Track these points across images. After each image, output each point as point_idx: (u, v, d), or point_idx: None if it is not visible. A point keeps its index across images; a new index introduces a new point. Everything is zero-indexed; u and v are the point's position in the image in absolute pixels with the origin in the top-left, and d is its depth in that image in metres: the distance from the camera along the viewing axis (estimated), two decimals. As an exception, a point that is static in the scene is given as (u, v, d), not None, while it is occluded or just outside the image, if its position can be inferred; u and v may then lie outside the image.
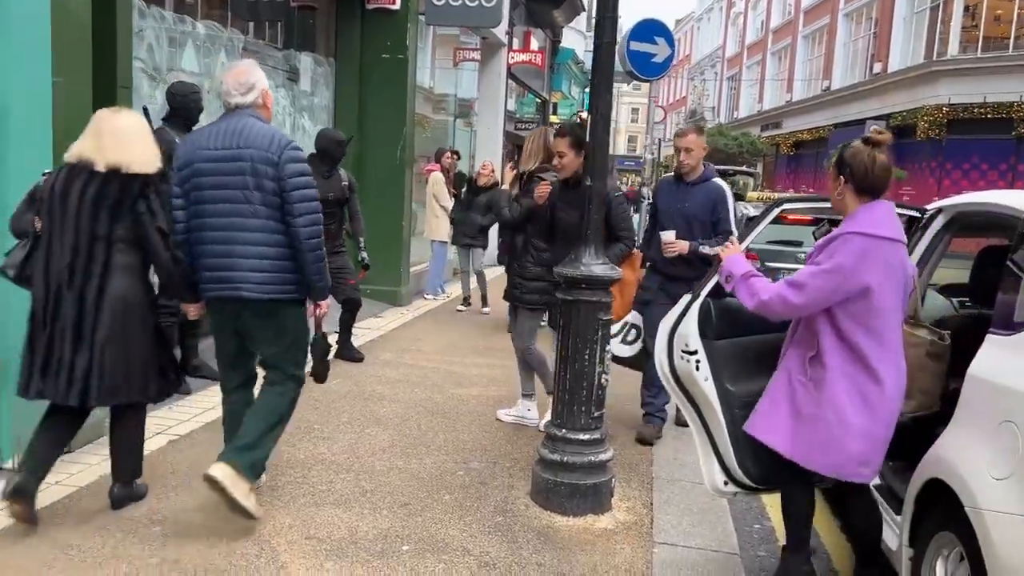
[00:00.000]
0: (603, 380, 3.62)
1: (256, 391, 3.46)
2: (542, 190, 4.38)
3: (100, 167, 3.10)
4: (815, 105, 29.48)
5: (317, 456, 4.13)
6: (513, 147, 14.53)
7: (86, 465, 3.78)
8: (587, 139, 3.57)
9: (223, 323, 3.36)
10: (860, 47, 27.43)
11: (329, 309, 3.47)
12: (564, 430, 3.61)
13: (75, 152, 3.16)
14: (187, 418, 4.57)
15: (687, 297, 3.07)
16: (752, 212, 9.73)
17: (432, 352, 6.76)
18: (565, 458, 3.59)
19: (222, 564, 2.97)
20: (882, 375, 2.68)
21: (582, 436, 3.60)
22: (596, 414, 3.63)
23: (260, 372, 3.47)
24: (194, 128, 5.03)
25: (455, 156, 9.93)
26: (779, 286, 2.76)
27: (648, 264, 4.74)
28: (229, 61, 6.62)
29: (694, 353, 2.96)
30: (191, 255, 3.26)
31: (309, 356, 3.49)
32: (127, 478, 3.40)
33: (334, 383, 5.18)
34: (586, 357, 3.56)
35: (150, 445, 4.10)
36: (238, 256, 3.15)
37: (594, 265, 3.54)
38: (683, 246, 4.38)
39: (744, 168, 23.89)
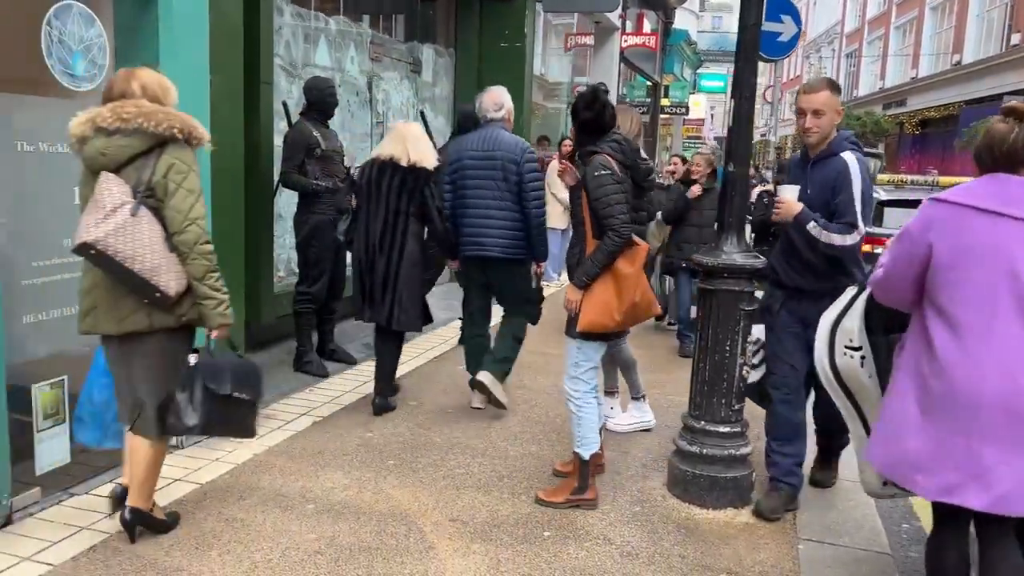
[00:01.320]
0: (744, 372, 3.54)
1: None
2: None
3: (404, 163, 4.27)
4: (943, 81, 27.71)
5: (453, 440, 4.23)
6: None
7: (241, 444, 3.99)
8: (731, 124, 3.48)
9: (475, 276, 4.68)
10: (995, 17, 25.55)
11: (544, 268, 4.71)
12: (703, 422, 3.56)
13: (386, 151, 4.33)
14: (327, 400, 4.77)
15: (852, 289, 2.94)
16: (884, 196, 9.27)
17: (556, 338, 6.78)
18: (705, 450, 3.53)
19: (372, 542, 3.09)
20: (947, 367, 2.26)
21: (722, 428, 3.54)
22: (736, 406, 3.55)
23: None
24: (328, 121, 5.23)
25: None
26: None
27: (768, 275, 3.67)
28: (358, 55, 6.82)
29: (859, 349, 2.83)
30: (455, 226, 4.51)
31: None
32: (388, 392, 4.62)
33: (459, 367, 5.28)
34: (727, 348, 3.49)
35: (296, 426, 4.32)
36: (490, 227, 4.44)
37: (735, 254, 3.46)
38: (790, 208, 3.28)
39: (871, 149, 22.70)
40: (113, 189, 2.67)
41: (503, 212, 4.41)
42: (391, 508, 3.37)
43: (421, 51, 7.98)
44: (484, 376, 4.52)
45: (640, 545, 3.19)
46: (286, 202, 5.73)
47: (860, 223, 3.22)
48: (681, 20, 20.18)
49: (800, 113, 3.32)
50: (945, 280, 2.29)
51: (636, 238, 3.38)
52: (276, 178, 5.32)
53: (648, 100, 17.79)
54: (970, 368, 2.23)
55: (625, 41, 13.88)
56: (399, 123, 4.56)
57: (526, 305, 4.67)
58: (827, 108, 3.27)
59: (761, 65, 5.36)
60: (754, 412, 3.68)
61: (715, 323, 3.50)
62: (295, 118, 5.23)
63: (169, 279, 2.72)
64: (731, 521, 3.45)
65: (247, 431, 3.05)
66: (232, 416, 2.94)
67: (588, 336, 3.39)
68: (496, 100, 4.56)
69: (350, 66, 6.75)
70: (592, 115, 3.38)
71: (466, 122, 5.27)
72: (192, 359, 2.88)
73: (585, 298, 3.32)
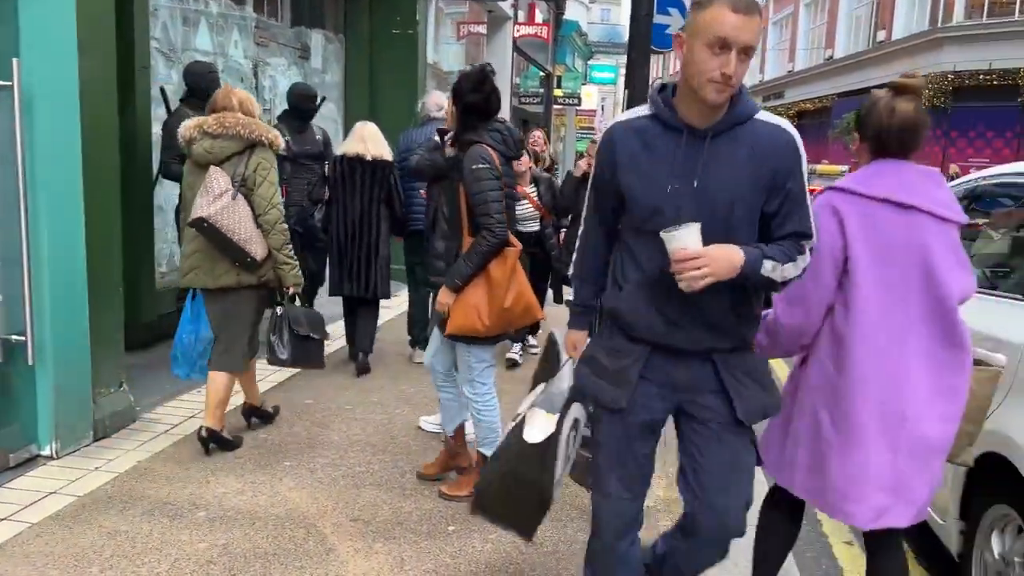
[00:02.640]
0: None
1: None
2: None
3: (368, 158, 4.96)
4: (818, 75, 29.22)
5: (352, 438, 4.12)
6: (519, 120, 14.39)
7: (123, 451, 3.77)
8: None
9: (417, 249, 5.17)
10: (863, 15, 27.13)
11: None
12: (603, 408, 3.59)
13: (351, 150, 5.00)
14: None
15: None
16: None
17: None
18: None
19: (269, 548, 2.97)
20: (866, 381, 2.12)
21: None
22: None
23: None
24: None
25: None
26: None
27: None
28: (242, 40, 6.54)
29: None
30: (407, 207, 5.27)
31: None
32: (367, 350, 5.30)
33: (351, 364, 5.18)
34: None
35: (183, 430, 4.11)
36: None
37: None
38: (726, 263, 1.90)
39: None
40: (219, 179, 3.54)
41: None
42: (288, 511, 3.25)
43: (310, 36, 7.73)
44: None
45: (544, 533, 3.19)
46: (168, 194, 5.44)
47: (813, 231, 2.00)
48: (572, 11, 20.42)
49: (720, 47, 1.79)
50: (858, 283, 2.10)
51: (513, 239, 3.20)
52: (156, 168, 5.03)
53: (542, 91, 17.93)
54: (888, 380, 2.11)
55: (518, 31, 13.91)
56: (358, 124, 5.24)
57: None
58: (755, 46, 1.84)
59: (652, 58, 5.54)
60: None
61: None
62: (175, 105, 4.96)
63: (257, 248, 3.61)
64: (632, 505, 3.50)
65: (319, 363, 4.13)
66: (310, 352, 3.98)
67: (474, 339, 3.23)
68: (438, 102, 5.31)
69: (234, 51, 6.45)
70: (480, 98, 3.12)
71: (296, 107, 5.47)
72: (279, 310, 3.88)
73: (456, 299, 3.16)
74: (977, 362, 2.24)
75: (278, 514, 3.23)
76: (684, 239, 1.81)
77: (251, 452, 3.86)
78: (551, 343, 2.44)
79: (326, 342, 4.19)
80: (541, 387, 2.37)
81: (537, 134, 6.31)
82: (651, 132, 1.97)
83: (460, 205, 3.15)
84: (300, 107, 5.47)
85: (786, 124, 1.95)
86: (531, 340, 6.09)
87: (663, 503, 3.54)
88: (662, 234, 1.84)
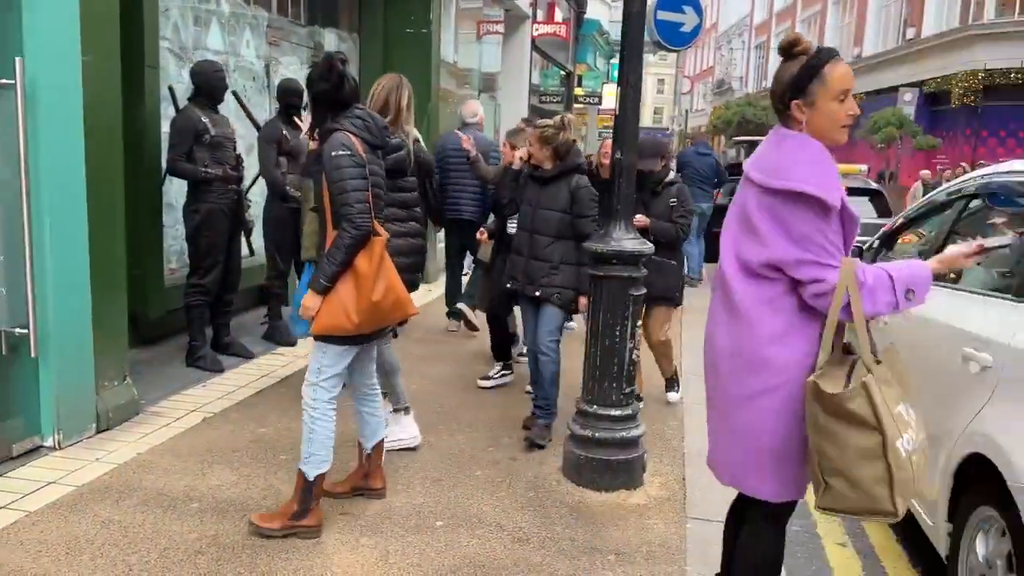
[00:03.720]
0: (634, 356, 3.60)
1: None
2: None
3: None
4: (845, 73, 28.86)
5: (348, 433, 4.15)
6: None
7: (124, 443, 3.84)
8: (617, 112, 3.51)
9: (453, 232, 6.37)
10: (893, 12, 26.74)
11: None
12: (595, 406, 3.60)
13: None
14: (220, 396, 4.62)
15: None
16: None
17: (459, 328, 6.76)
18: (597, 434, 3.58)
19: (258, 539, 3.00)
20: None
21: (613, 412, 3.59)
22: (627, 390, 3.61)
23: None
24: (221, 108, 5.07)
25: None
26: None
27: None
28: (254, 39, 6.61)
29: None
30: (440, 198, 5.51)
31: None
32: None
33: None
34: (617, 333, 3.53)
35: (185, 423, 4.17)
36: (463, 198, 6.21)
37: (624, 240, 3.50)
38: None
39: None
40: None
41: (474, 188, 6.07)
42: (279, 503, 3.28)
43: (323, 36, 7.79)
44: (461, 305, 5.98)
45: (532, 530, 3.21)
46: (177, 191, 5.52)
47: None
48: (593, 10, 20.34)
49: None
50: None
51: (378, 227, 2.99)
52: (164, 166, 5.11)
53: (562, 90, 17.89)
54: (706, 339, 2.32)
55: (536, 29, 13.90)
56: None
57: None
58: None
59: (669, 56, 5.50)
60: (647, 392, 3.75)
61: (604, 309, 3.54)
62: (183, 104, 5.03)
63: None
64: (623, 503, 3.50)
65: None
66: None
67: (329, 339, 3.01)
68: (473, 110, 6.28)
69: (246, 50, 6.53)
70: (327, 87, 2.96)
71: (289, 97, 5.42)
72: None
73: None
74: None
75: (269, 506, 3.27)
76: None
77: (249, 446, 3.91)
78: None
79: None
80: None
81: (608, 143, 6.01)
82: None
83: (324, 198, 2.96)
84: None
85: None
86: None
87: (655, 502, 3.53)
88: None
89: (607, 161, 5.05)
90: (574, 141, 4.24)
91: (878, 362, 2.04)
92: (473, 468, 3.80)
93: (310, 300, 2.92)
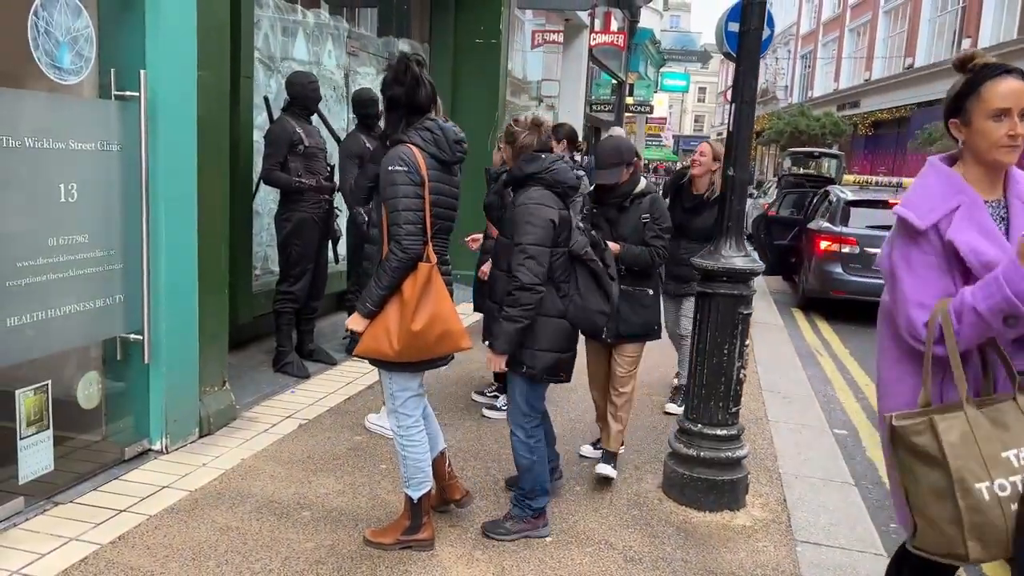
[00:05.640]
0: (741, 375, 3.57)
1: None
2: None
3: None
4: (896, 83, 28.39)
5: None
6: (591, 128, 14.36)
7: (227, 448, 3.90)
8: (731, 128, 3.48)
9: None
10: (947, 22, 26.27)
11: None
12: (700, 425, 3.57)
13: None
14: (311, 402, 4.68)
15: None
16: (850, 196, 9.45)
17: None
18: (702, 453, 3.55)
19: (374, 551, 3.02)
20: None
21: (719, 431, 3.56)
22: (733, 409, 3.58)
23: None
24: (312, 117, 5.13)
25: None
26: None
27: None
28: (335, 49, 6.70)
29: None
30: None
31: None
32: None
33: (443, 369, 5.21)
34: (725, 351, 3.50)
35: (282, 429, 4.22)
36: None
37: (735, 257, 3.48)
38: None
39: (830, 150, 23.17)
40: None
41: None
42: (388, 514, 3.31)
43: (396, 46, 7.88)
44: None
45: (642, 550, 3.19)
46: (262, 199, 5.61)
47: None
48: (645, 20, 20.31)
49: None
50: None
51: (430, 252, 2.75)
52: (256, 175, 5.20)
53: (613, 98, 17.88)
54: None
55: (594, 39, 13.92)
56: None
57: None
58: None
59: (717, 65, 5.33)
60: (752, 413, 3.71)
61: (713, 327, 3.51)
62: (276, 113, 5.11)
63: None
64: (728, 524, 3.47)
65: None
66: None
67: (387, 364, 2.86)
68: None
69: (327, 60, 6.62)
70: (401, 91, 2.75)
71: (363, 107, 5.49)
72: None
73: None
74: None
75: (378, 516, 3.30)
76: None
77: (348, 454, 3.94)
78: None
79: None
80: None
81: (701, 148, 5.22)
82: None
83: (383, 212, 2.78)
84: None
85: None
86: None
87: (760, 524, 3.49)
88: None
89: (698, 172, 4.98)
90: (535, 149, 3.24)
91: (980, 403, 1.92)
92: (572, 482, 3.79)
93: (354, 322, 2.79)
